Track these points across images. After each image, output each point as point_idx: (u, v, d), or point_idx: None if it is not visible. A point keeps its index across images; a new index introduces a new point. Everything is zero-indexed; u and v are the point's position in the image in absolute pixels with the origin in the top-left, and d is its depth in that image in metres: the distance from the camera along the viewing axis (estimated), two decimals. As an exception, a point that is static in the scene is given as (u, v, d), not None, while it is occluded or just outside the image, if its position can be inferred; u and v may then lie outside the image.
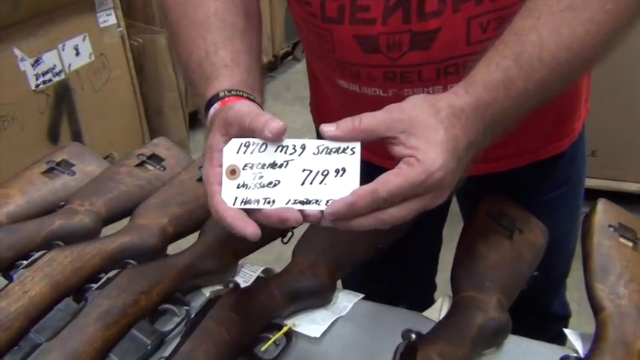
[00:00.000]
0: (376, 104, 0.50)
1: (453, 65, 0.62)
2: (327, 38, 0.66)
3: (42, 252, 0.61)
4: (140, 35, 2.28)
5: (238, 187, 0.47)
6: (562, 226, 0.80)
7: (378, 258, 0.69)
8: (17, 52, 1.70)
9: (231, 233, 0.47)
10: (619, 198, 1.90)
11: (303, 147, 0.47)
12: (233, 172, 0.48)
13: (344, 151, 0.47)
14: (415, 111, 0.48)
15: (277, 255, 0.80)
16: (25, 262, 0.60)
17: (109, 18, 2.05)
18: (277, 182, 0.47)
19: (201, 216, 0.70)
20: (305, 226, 0.71)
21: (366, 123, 0.47)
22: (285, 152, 0.47)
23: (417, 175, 0.46)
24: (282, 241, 0.72)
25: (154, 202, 0.71)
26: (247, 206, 0.47)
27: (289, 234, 0.71)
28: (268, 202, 0.47)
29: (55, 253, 0.60)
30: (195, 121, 2.91)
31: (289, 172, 0.47)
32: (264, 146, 0.47)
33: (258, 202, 0.47)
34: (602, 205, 0.65)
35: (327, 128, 0.47)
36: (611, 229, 0.63)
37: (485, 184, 0.72)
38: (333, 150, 0.47)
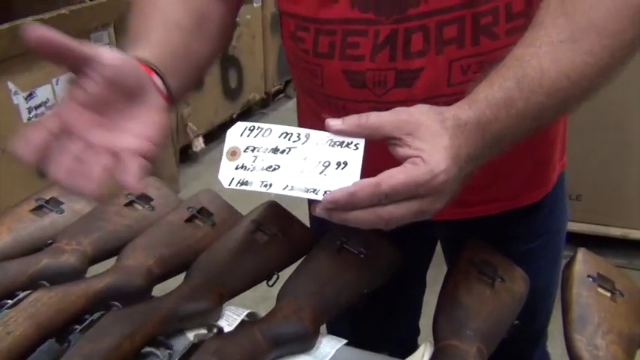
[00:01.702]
0: None
1: (434, 104, 0.65)
2: (317, 73, 0.69)
3: (27, 292, 0.61)
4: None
5: (237, 169, 0.48)
6: (543, 276, 0.82)
7: (362, 303, 0.70)
8: (11, 85, 1.72)
9: (218, 275, 0.48)
10: (603, 243, 1.94)
11: (308, 136, 0.48)
12: (234, 154, 0.48)
13: (347, 145, 0.48)
14: (422, 116, 0.50)
15: (263, 293, 0.80)
16: (9, 302, 0.61)
17: (104, 54, 2.09)
18: (277, 167, 0.47)
19: (187, 257, 0.70)
20: (291, 269, 0.73)
21: (373, 120, 0.49)
22: (289, 139, 0.48)
23: (422, 175, 0.47)
24: (267, 284, 0.72)
25: (141, 242, 0.71)
26: (243, 187, 0.47)
27: (275, 277, 0.72)
28: (265, 186, 0.47)
29: (40, 294, 0.60)
30: (185, 156, 2.93)
31: (290, 158, 0.47)
32: (268, 131, 0.48)
33: (254, 184, 0.47)
34: (581, 254, 0.66)
35: (333, 122, 0.49)
36: (590, 279, 0.64)
37: (465, 231, 0.74)
38: (337, 143, 0.48)
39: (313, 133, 0.48)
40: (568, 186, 0.86)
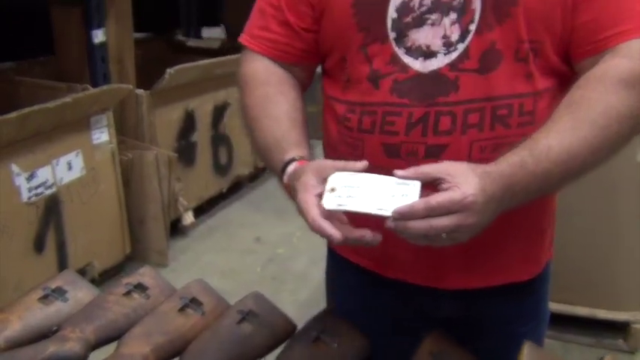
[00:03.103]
0: None
1: None
2: (358, 146, 0.87)
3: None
4: (130, 151, 2.43)
5: (335, 198, 0.70)
6: None
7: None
8: (14, 167, 1.82)
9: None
10: (569, 322, 1.99)
11: (380, 179, 0.71)
12: (332, 190, 0.71)
13: (407, 184, 0.69)
14: (460, 165, 0.72)
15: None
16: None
17: (102, 135, 2.21)
18: (360, 196, 0.70)
19: (180, 345, 0.79)
20: (278, 351, 0.81)
21: (425, 169, 0.70)
22: (367, 180, 0.71)
23: (456, 195, 0.67)
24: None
25: (138, 331, 0.80)
26: (340, 208, 0.69)
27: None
28: (354, 207, 0.69)
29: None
30: (175, 229, 3.00)
31: (369, 191, 0.70)
32: (353, 176, 0.72)
33: (347, 206, 0.69)
34: (527, 348, 0.75)
35: (398, 172, 0.70)
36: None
37: (467, 308, 0.90)
38: (400, 183, 0.70)
39: (383, 177, 0.71)
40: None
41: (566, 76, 0.83)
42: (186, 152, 2.99)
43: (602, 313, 1.93)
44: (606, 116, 0.75)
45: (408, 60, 0.82)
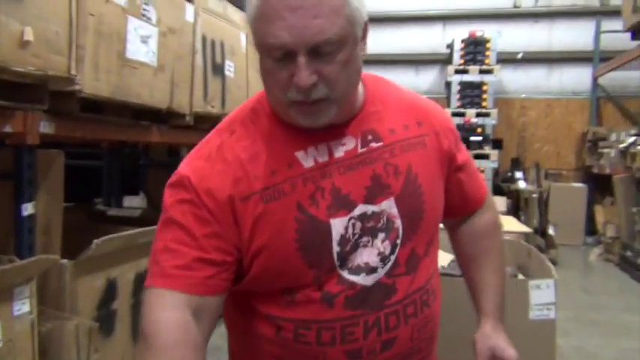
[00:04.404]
0: None
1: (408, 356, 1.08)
2: (319, 357, 1.00)
3: None
4: (50, 321, 2.40)
5: None
6: None
7: None
8: None
9: None
10: None
11: None
12: None
13: None
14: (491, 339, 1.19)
15: None
16: None
17: (23, 307, 2.19)
18: None
19: None
20: None
21: None
22: None
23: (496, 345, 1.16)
24: None
25: None
26: None
27: None
28: None
29: None
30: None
31: None
32: None
33: None
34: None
35: None
36: None
37: None
38: None
39: None
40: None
41: None
42: (105, 321, 2.95)
43: None
44: (500, 253, 1.28)
45: (354, 278, 1.00)
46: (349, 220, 1.00)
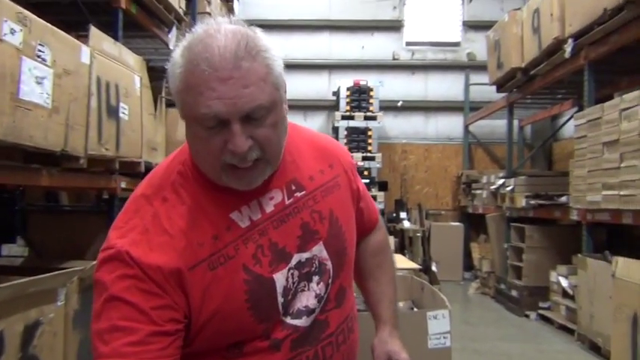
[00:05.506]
0: None
1: None
2: None
3: None
4: None
5: None
6: None
7: None
8: None
9: None
10: None
11: None
12: None
13: None
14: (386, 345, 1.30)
15: None
16: None
17: None
18: None
19: None
20: None
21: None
22: None
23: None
24: None
25: None
26: None
27: None
28: None
29: None
30: None
31: None
32: None
33: None
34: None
35: None
36: None
37: None
38: None
39: None
40: None
41: None
42: (-11, 379, 2.72)
43: None
44: (392, 267, 1.43)
45: (296, 322, 1.09)
46: (288, 270, 1.08)
